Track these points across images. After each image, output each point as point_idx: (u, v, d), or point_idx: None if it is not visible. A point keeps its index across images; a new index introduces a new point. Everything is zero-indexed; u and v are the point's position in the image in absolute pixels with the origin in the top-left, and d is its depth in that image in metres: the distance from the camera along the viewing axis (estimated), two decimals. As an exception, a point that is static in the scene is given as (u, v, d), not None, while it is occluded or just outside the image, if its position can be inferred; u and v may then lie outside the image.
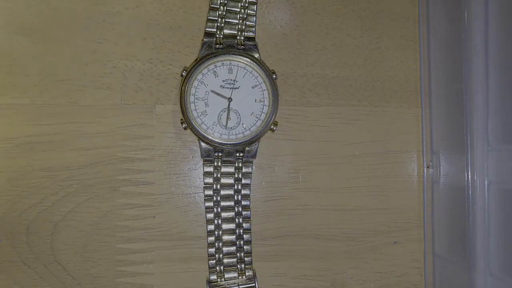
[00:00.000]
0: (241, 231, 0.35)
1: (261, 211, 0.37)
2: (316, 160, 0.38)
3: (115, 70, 0.35)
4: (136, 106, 0.35)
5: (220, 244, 0.35)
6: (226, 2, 0.35)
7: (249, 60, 0.34)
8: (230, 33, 0.35)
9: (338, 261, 0.38)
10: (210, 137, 0.34)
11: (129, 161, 0.35)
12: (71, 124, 0.34)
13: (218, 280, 0.35)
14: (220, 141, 0.34)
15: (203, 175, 0.35)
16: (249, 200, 0.36)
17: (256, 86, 0.35)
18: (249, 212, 0.36)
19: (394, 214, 0.39)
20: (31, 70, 0.34)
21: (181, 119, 0.34)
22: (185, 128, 0.34)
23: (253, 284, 0.35)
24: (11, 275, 0.34)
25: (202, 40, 0.35)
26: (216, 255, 0.35)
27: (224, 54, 0.34)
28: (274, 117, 0.35)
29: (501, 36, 0.33)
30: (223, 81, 0.35)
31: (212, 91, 0.34)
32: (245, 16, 0.35)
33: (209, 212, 0.35)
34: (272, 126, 0.35)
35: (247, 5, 0.35)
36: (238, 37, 0.35)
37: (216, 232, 0.35)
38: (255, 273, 0.36)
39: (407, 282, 0.40)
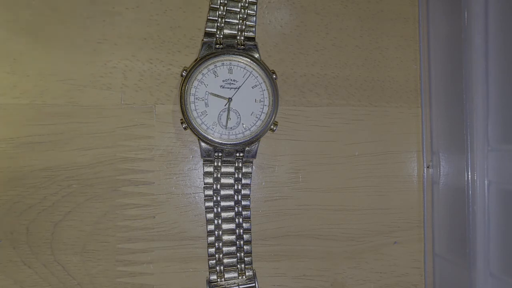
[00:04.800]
0: (241, 231, 0.35)
1: (261, 211, 0.37)
2: (316, 160, 0.38)
3: (115, 70, 0.35)
4: (136, 106, 0.35)
5: (220, 244, 0.35)
6: (226, 2, 0.35)
7: (249, 60, 0.34)
8: (230, 33, 0.35)
9: (338, 261, 0.38)
10: (210, 137, 0.34)
11: (129, 161, 0.35)
12: (71, 124, 0.34)
13: (218, 280, 0.35)
14: (220, 141, 0.34)
15: (203, 175, 0.35)
16: (249, 200, 0.36)
17: (256, 86, 0.35)
18: (249, 212, 0.36)
19: (394, 214, 0.39)
20: (31, 70, 0.34)
21: (181, 119, 0.34)
22: (185, 128, 0.34)
23: (253, 284, 0.35)
24: (11, 275, 0.34)
25: (202, 40, 0.35)
26: (216, 255, 0.35)
27: (224, 54, 0.34)
28: (274, 117, 0.35)
29: (501, 36, 0.33)
30: (223, 81, 0.35)
31: (212, 94, 0.34)
32: (245, 16, 0.35)
33: (209, 212, 0.35)
34: (272, 126, 0.35)
35: (247, 5, 0.35)
36: (238, 37, 0.35)
37: (216, 232, 0.35)
38: (255, 273, 0.36)
39: (407, 282, 0.40)
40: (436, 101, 0.39)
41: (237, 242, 0.35)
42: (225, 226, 0.35)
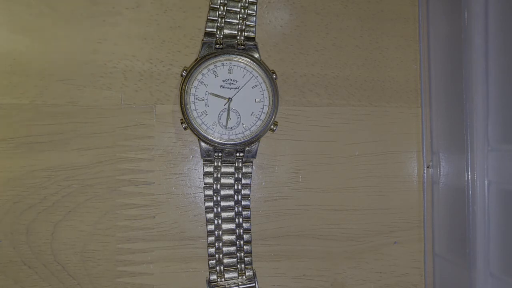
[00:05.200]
0: (241, 231, 0.35)
1: (261, 211, 0.37)
2: (316, 160, 0.38)
3: (115, 70, 0.35)
4: (136, 106, 0.35)
5: (220, 244, 0.35)
6: (226, 2, 0.35)
7: (249, 60, 0.34)
8: (230, 33, 0.35)
9: (338, 261, 0.38)
10: (210, 137, 0.34)
11: (129, 161, 0.35)
12: (71, 124, 0.34)
13: (218, 280, 0.35)
14: (220, 141, 0.34)
15: (203, 175, 0.35)
16: (249, 200, 0.36)
17: (256, 86, 0.35)
18: (249, 212, 0.36)
19: (394, 214, 0.39)
20: (31, 70, 0.34)
21: (181, 119, 0.34)
22: (185, 128, 0.34)
23: (253, 284, 0.35)
24: (11, 275, 0.34)
25: (202, 40, 0.35)
26: (216, 255, 0.35)
27: (224, 54, 0.34)
28: (274, 117, 0.35)
29: (501, 36, 0.33)
30: (223, 81, 0.35)
31: (212, 94, 0.34)
32: (245, 16, 0.35)
33: (209, 212, 0.35)
34: (272, 126, 0.35)
35: (247, 5, 0.35)
36: (238, 37, 0.35)
37: (216, 232, 0.35)
38: (255, 273, 0.36)
39: (407, 282, 0.40)
40: (436, 101, 0.39)
41: (237, 242, 0.35)
42: (225, 226, 0.35)
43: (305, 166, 0.38)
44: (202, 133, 0.34)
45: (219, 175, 0.35)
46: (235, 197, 0.35)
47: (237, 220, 0.35)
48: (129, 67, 0.35)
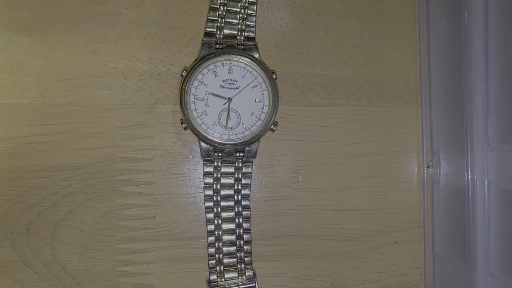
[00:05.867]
0: (241, 231, 0.35)
1: (261, 211, 0.37)
2: (316, 160, 0.38)
3: (115, 70, 0.35)
4: (136, 106, 0.35)
5: (220, 244, 0.35)
6: (226, 2, 0.35)
7: (249, 60, 0.34)
8: (230, 33, 0.35)
9: (338, 261, 0.38)
10: (210, 137, 0.34)
11: (129, 161, 0.35)
12: (71, 124, 0.34)
13: (218, 280, 0.35)
14: (220, 141, 0.34)
15: (203, 175, 0.35)
16: (249, 200, 0.36)
17: (256, 86, 0.35)
18: (249, 212, 0.36)
19: (394, 214, 0.39)
20: (31, 70, 0.34)
21: (181, 119, 0.34)
22: (185, 128, 0.34)
23: (253, 284, 0.35)
24: (11, 275, 0.34)
25: (202, 40, 0.35)
26: (216, 255, 0.35)
27: (224, 54, 0.34)
28: (274, 117, 0.35)
29: (501, 36, 0.33)
30: (223, 81, 0.35)
31: (212, 94, 0.34)
32: (245, 16, 0.35)
33: (209, 212, 0.35)
34: (272, 126, 0.35)
35: (247, 5, 0.35)
36: (238, 37, 0.35)
37: (216, 232, 0.35)
38: (255, 273, 0.36)
39: (407, 282, 0.40)
40: (436, 101, 0.39)
41: (237, 242, 0.35)
42: (225, 226, 0.35)
43: (305, 166, 0.38)
44: (202, 133, 0.34)
45: (219, 175, 0.35)
46: (235, 197, 0.35)
47: (237, 220, 0.35)
48: (129, 67, 0.35)
